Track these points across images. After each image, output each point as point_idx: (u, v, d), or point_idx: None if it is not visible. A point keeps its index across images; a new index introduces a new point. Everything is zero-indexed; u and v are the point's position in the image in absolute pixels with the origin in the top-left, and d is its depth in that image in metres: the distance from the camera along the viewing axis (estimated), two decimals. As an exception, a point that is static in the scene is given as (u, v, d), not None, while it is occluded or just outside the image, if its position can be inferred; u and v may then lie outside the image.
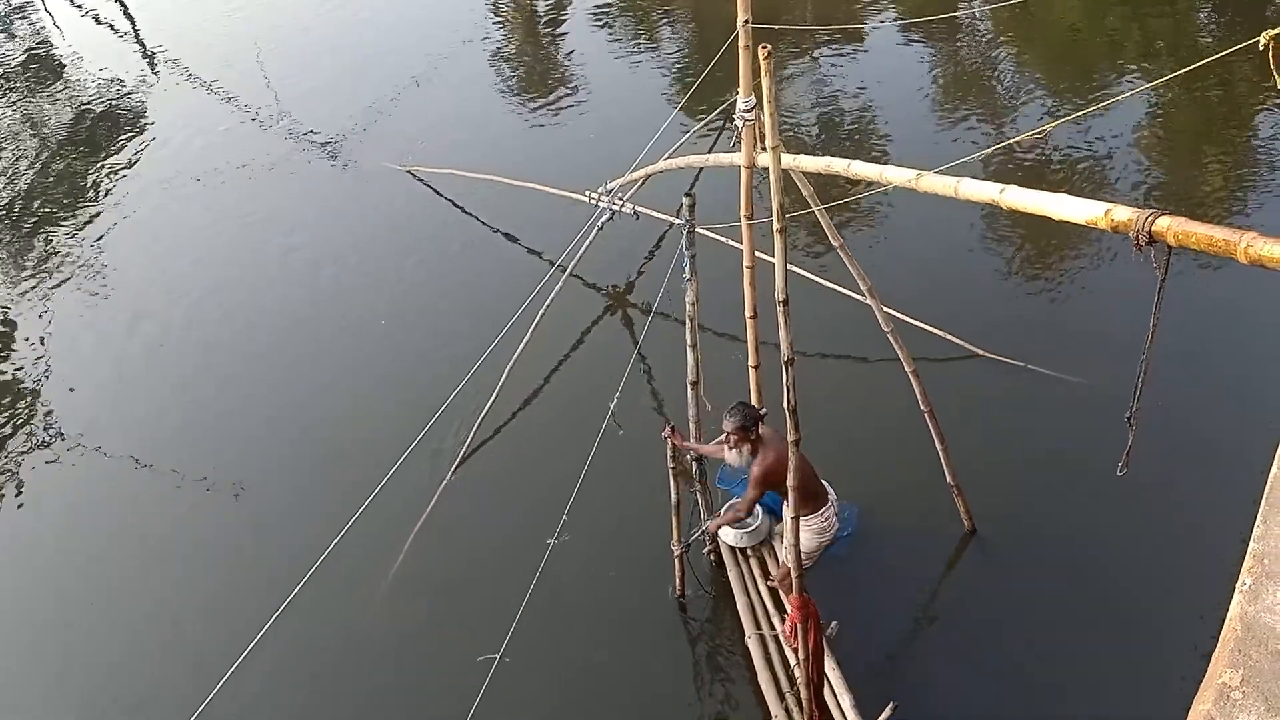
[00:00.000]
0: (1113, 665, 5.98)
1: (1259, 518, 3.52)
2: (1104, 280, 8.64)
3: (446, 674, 6.45)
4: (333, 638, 6.81)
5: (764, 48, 3.98)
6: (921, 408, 6.37)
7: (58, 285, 10.74)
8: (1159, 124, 10.65)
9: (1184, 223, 3.02)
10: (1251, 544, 3.45)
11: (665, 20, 14.49)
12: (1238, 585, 3.35)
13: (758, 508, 6.59)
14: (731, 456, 5.65)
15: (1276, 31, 3.12)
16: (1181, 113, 10.69)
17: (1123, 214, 3.19)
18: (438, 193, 10.95)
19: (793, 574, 5.09)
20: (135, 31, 16.34)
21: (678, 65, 13.11)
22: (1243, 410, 7.22)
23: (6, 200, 12.33)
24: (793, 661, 5.79)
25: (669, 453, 6.05)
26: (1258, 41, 3.16)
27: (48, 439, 8.89)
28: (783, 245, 4.33)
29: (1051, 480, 7.07)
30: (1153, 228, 3.07)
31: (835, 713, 5.67)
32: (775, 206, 4.25)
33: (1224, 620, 3.31)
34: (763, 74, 4.02)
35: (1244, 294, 8.05)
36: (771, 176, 4.18)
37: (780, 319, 4.45)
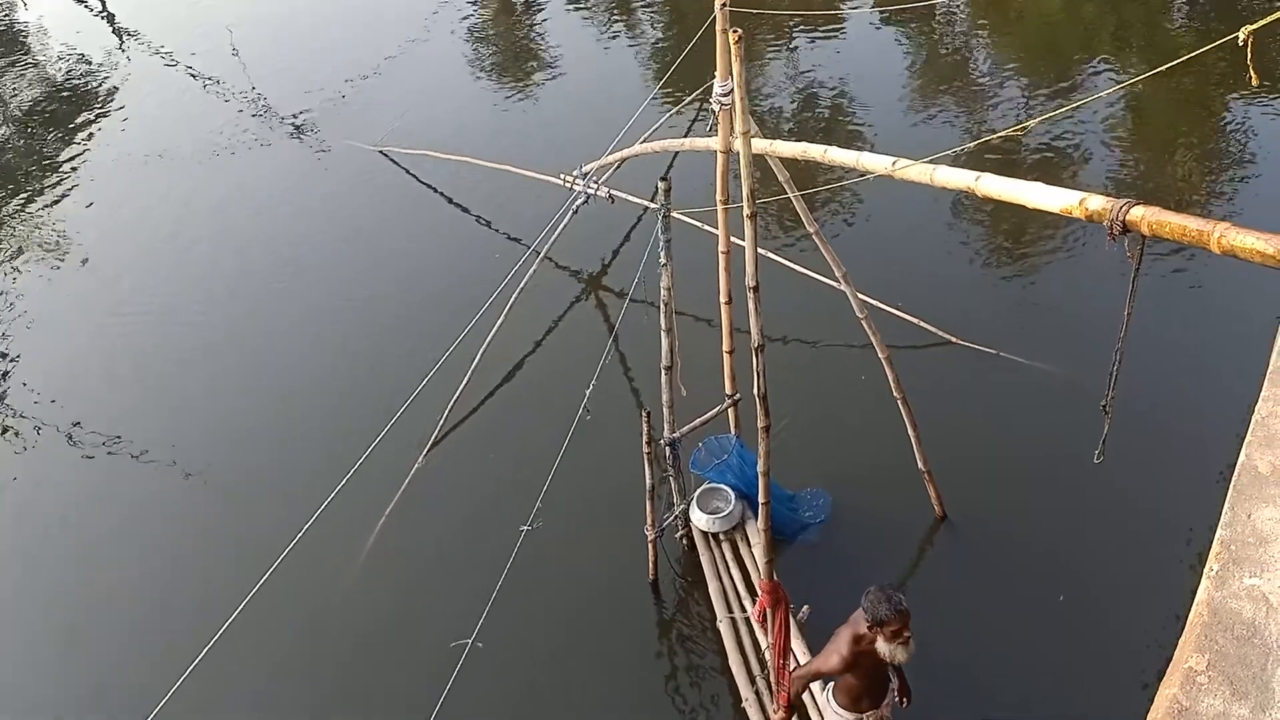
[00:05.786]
0: (1081, 650, 6.05)
1: (1227, 505, 3.56)
2: (1076, 269, 8.70)
3: (419, 659, 6.42)
4: (303, 622, 6.76)
5: (734, 32, 3.96)
6: (894, 394, 6.40)
7: (19, 257, 10.56)
8: (1133, 114, 10.72)
9: (1158, 212, 3.02)
10: (1219, 530, 3.48)
11: (642, 2, 14.40)
12: (1205, 571, 3.38)
13: (730, 493, 6.61)
14: (888, 650, 4.57)
15: (1255, 27, 3.11)
16: (1156, 103, 10.76)
17: (1097, 203, 3.18)
18: (410, 173, 10.84)
19: (762, 558, 5.10)
20: (104, 6, 16.03)
21: (655, 48, 13.03)
22: (1211, 398, 7.30)
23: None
24: (763, 645, 5.81)
25: (644, 436, 6.03)
26: (1237, 37, 3.15)
27: (6, 417, 8.74)
28: (753, 231, 4.30)
29: (1022, 467, 7.12)
30: (1127, 217, 3.06)
31: (805, 695, 5.70)
32: (745, 192, 4.23)
33: (1191, 605, 3.34)
34: (733, 59, 4.00)
35: (1214, 282, 8.15)
36: (741, 162, 4.16)
37: (750, 305, 4.43)
